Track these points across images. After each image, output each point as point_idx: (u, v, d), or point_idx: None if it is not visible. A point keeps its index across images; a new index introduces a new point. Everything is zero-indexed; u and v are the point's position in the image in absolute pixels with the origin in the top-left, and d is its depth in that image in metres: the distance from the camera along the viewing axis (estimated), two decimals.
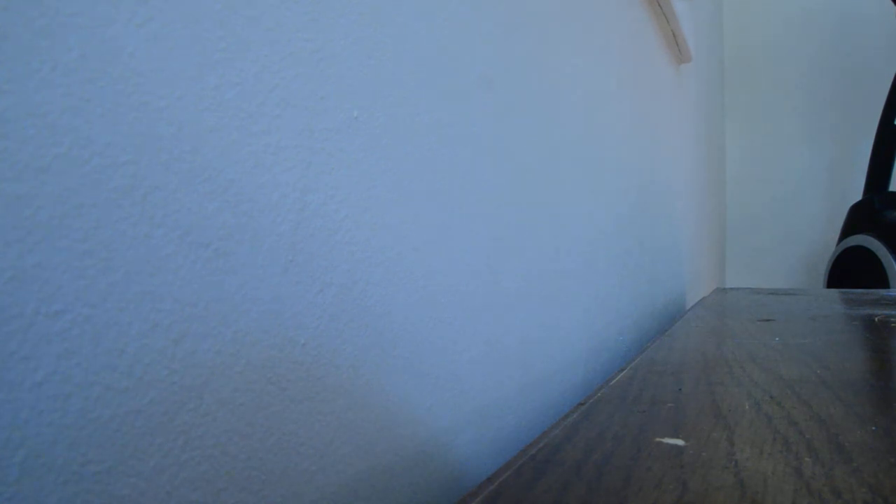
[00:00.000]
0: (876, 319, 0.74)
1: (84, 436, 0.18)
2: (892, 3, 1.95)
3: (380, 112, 0.31)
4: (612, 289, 0.73)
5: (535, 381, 0.49)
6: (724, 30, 2.32)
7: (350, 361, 0.29)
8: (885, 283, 1.59)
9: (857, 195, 1.95)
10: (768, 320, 0.75)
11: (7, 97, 0.16)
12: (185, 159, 0.21)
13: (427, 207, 0.35)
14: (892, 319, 0.73)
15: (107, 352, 0.19)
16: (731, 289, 1.26)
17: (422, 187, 0.34)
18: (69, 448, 0.18)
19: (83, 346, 0.18)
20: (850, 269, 1.76)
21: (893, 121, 1.77)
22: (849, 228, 1.82)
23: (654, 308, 0.99)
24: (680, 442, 0.30)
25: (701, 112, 1.63)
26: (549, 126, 0.52)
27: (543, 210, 0.51)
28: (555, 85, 0.54)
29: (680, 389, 0.41)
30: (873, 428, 0.32)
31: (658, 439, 0.31)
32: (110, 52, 0.19)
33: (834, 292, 1.16)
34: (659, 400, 0.38)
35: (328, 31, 0.28)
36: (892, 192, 1.75)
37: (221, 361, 0.22)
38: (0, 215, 0.16)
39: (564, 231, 0.56)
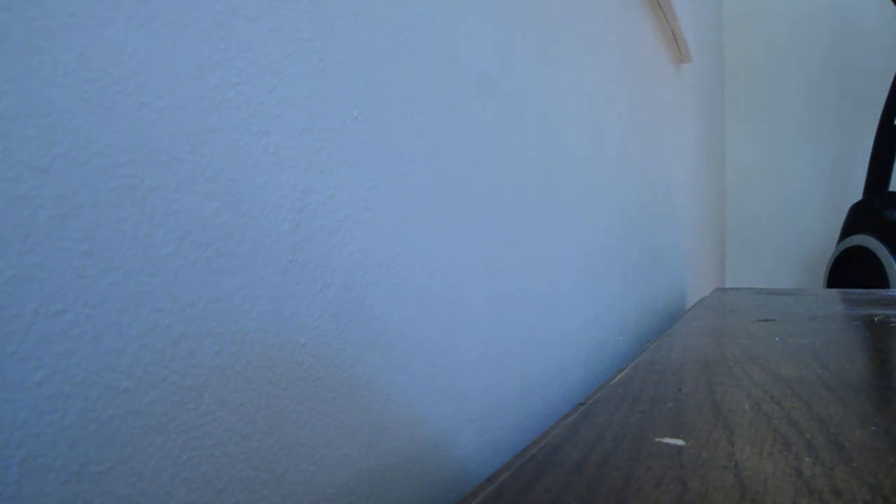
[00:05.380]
0: (876, 319, 0.74)
1: (84, 436, 0.18)
2: (892, 4, 1.95)
3: (380, 112, 0.31)
4: (612, 289, 0.73)
5: (535, 381, 0.49)
6: (724, 30, 2.32)
7: (350, 361, 0.29)
8: (885, 283, 1.59)
9: (857, 195, 1.95)
10: (768, 320, 0.75)
11: (7, 97, 0.16)
12: (185, 159, 0.21)
13: (427, 207, 0.35)
14: (892, 319, 0.73)
15: (107, 352, 0.19)
16: (731, 289, 1.26)
17: (422, 187, 0.34)
18: (69, 448, 0.18)
19: (83, 346, 0.18)
20: (850, 269, 1.76)
21: (893, 121, 1.77)
22: (849, 228, 1.82)
23: (654, 308, 0.99)
24: (680, 442, 0.30)
25: (701, 112, 1.63)
26: (548, 126, 0.52)
27: (544, 210, 0.51)
28: (554, 85, 0.54)
29: (680, 389, 0.41)
30: (873, 428, 0.32)
31: (658, 439, 0.31)
32: (110, 52, 0.19)
33: (834, 292, 1.16)
34: (659, 400, 0.38)
35: (328, 31, 0.28)
36: (892, 192, 1.75)
37: (221, 361, 0.22)
38: (0, 215, 0.16)
39: (564, 231, 0.56)
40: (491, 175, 0.42)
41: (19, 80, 0.17)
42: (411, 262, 0.33)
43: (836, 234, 2.01)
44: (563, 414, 0.38)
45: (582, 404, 0.38)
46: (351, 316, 0.29)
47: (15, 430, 0.16)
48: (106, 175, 0.19)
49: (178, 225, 0.21)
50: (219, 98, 0.22)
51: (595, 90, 0.66)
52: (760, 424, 0.33)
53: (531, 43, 0.49)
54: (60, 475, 0.17)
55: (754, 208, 2.33)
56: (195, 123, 0.22)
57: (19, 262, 0.17)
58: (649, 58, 0.95)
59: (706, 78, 1.75)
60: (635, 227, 0.85)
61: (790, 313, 0.81)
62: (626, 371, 0.47)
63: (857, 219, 1.80)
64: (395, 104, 0.32)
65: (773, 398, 0.38)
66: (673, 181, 1.17)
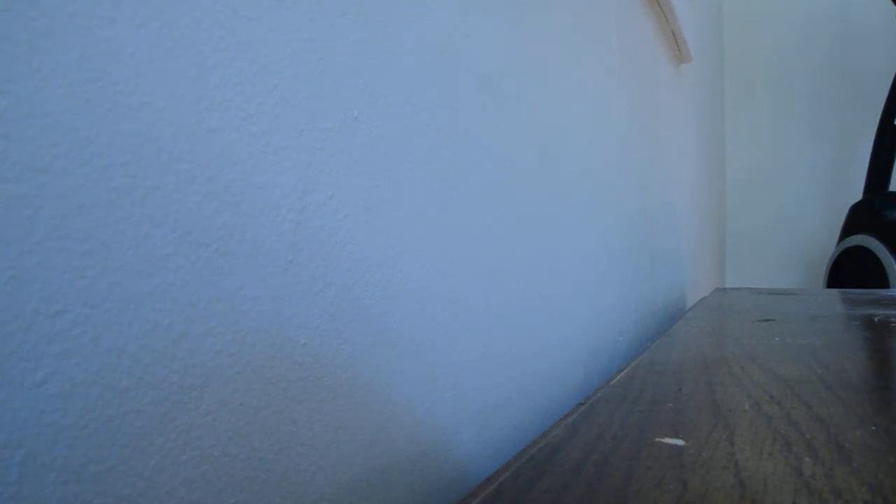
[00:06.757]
0: (876, 319, 0.74)
1: (84, 436, 0.18)
2: (892, 5, 1.95)
3: (380, 112, 0.31)
4: (612, 289, 0.73)
5: (535, 381, 0.49)
6: (724, 30, 2.32)
7: (350, 361, 0.29)
8: (885, 283, 1.59)
9: (857, 195, 1.95)
10: (768, 320, 0.75)
11: (7, 97, 0.16)
12: (185, 159, 0.21)
13: (427, 207, 0.35)
14: (892, 319, 0.73)
15: (107, 352, 0.19)
16: (731, 289, 1.26)
17: (422, 187, 0.34)
18: (69, 448, 0.18)
19: (83, 346, 0.18)
20: (850, 269, 1.76)
21: (893, 121, 1.77)
22: (849, 228, 1.82)
23: (654, 308, 0.99)
24: (680, 442, 0.30)
25: (701, 112, 1.63)
26: (548, 126, 0.52)
27: (544, 211, 0.51)
28: (555, 85, 0.54)
29: (680, 389, 0.41)
30: (873, 428, 0.32)
31: (658, 439, 0.31)
32: (110, 52, 0.19)
33: (834, 292, 1.16)
34: (659, 400, 0.38)
35: (328, 31, 0.28)
36: (892, 192, 1.75)
37: (221, 361, 0.22)
38: (0, 215, 0.16)
39: (564, 230, 0.56)
40: (491, 175, 0.42)
41: (19, 80, 0.17)
42: (411, 262, 0.33)
43: (836, 235, 2.01)
44: (563, 414, 0.38)
45: (582, 404, 0.38)
46: (351, 316, 0.29)
47: (15, 430, 0.16)
48: (106, 175, 0.19)
49: (178, 225, 0.21)
50: (219, 98, 0.22)
51: (595, 90, 0.66)
52: (760, 424, 0.33)
53: (531, 43, 0.49)
54: (60, 475, 0.17)
55: (754, 208, 2.33)
56: (195, 123, 0.22)
57: (19, 262, 0.17)
58: (649, 58, 0.95)
59: (706, 78, 1.75)
60: (635, 227, 0.85)
61: (790, 313, 0.81)
62: (626, 371, 0.47)
63: (857, 219, 1.80)
64: (395, 104, 0.32)
65: (773, 398, 0.38)
66: (673, 181, 1.17)
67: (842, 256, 1.80)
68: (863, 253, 1.70)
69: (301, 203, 0.26)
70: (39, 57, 0.17)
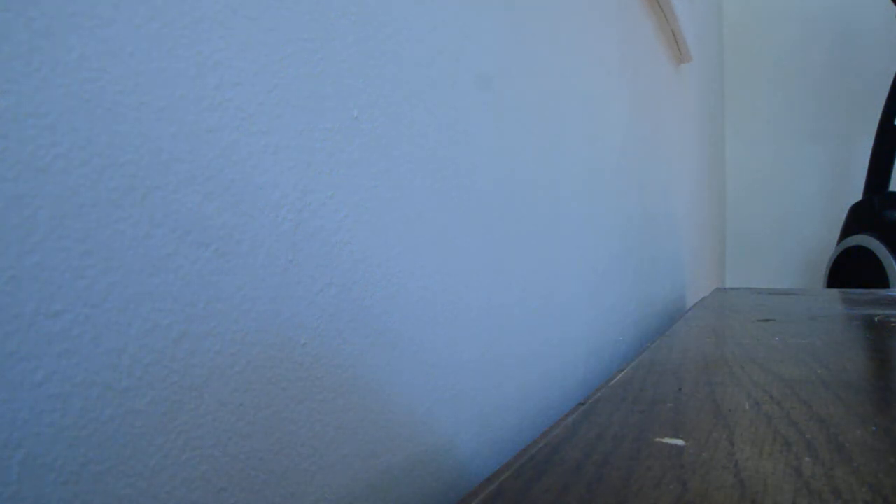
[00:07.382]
0: (876, 319, 0.74)
1: (84, 436, 0.18)
2: (892, 5, 1.95)
3: (380, 112, 0.31)
4: (613, 290, 0.73)
5: (535, 381, 0.49)
6: (724, 30, 2.32)
7: (350, 361, 0.29)
8: (885, 283, 1.59)
9: (857, 195, 1.95)
10: (768, 320, 0.75)
11: (7, 97, 0.16)
12: (185, 159, 0.21)
13: (427, 208, 0.35)
14: (892, 319, 0.73)
15: (107, 352, 0.19)
16: (731, 289, 1.26)
17: (421, 187, 0.34)
18: (69, 448, 0.18)
19: (83, 346, 0.18)
20: (850, 269, 1.76)
21: (893, 121, 1.77)
22: (849, 228, 1.82)
23: (654, 308, 0.99)
24: (680, 442, 0.30)
25: (701, 111, 1.63)
26: (548, 126, 0.52)
27: (544, 211, 0.51)
28: (554, 85, 0.54)
29: (680, 389, 0.41)
30: (873, 428, 0.32)
31: (658, 439, 0.31)
32: (110, 52, 0.19)
33: (834, 292, 1.16)
34: (659, 400, 0.38)
35: (328, 31, 0.28)
36: (892, 192, 1.75)
37: (221, 361, 0.22)
38: (0, 215, 0.16)
39: (565, 231, 0.56)
40: (491, 175, 0.42)
41: (19, 80, 0.17)
42: (411, 262, 0.33)
43: (836, 235, 2.01)
44: (563, 414, 0.38)
45: (582, 404, 0.38)
46: (351, 316, 0.29)
47: (15, 430, 0.16)
48: (106, 175, 0.19)
49: (178, 225, 0.21)
50: (219, 98, 0.22)
51: (595, 90, 0.66)
52: (760, 424, 0.33)
53: (531, 43, 0.49)
54: (60, 475, 0.17)
55: (754, 208, 2.33)
56: (195, 123, 0.22)
57: (19, 262, 0.17)
58: (649, 58, 0.95)
59: (706, 78, 1.75)
60: (635, 227, 0.85)
61: (790, 313, 0.81)
62: (626, 371, 0.47)
63: (857, 219, 1.80)
64: (395, 104, 0.32)
65: (773, 398, 0.38)
66: (673, 181, 1.17)
67: (842, 256, 1.80)
68: (863, 253, 1.70)
69: (301, 203, 0.26)
70: (39, 57, 0.17)
